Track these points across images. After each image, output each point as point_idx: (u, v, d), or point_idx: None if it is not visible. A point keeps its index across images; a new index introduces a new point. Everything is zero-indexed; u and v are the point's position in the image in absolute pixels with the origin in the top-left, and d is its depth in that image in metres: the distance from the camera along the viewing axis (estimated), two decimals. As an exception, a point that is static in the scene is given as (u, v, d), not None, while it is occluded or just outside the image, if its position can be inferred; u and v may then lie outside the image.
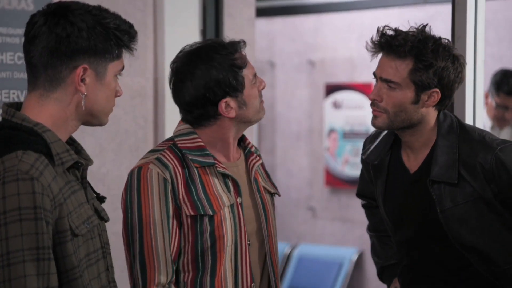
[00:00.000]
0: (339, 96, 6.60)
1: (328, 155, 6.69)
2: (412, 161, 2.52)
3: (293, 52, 6.84)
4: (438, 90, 2.41)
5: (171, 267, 2.29)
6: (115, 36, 1.89)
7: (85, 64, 1.87)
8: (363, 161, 2.66)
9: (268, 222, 2.44)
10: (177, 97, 2.38)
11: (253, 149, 2.50)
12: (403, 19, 7.23)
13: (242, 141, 2.49)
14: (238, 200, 2.37)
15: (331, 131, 6.67)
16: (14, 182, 1.74)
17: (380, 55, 2.48)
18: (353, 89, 6.47)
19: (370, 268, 6.47)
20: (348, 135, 6.55)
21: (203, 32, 4.02)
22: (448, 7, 3.16)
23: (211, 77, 2.31)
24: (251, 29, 4.20)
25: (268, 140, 6.94)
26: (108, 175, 3.63)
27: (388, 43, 2.43)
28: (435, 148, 2.44)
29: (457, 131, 2.45)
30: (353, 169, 6.55)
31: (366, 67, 6.94)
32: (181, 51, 2.39)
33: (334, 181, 6.66)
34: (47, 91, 1.88)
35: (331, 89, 6.65)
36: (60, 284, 1.80)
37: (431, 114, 2.46)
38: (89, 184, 1.98)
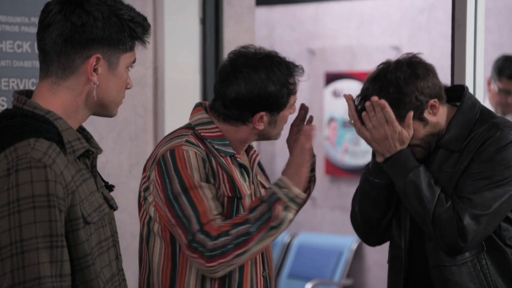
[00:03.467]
0: (339, 84, 6.59)
1: (328, 144, 6.70)
2: None
3: (293, 40, 6.83)
4: (434, 99, 2.46)
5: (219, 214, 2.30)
6: (129, 28, 1.90)
7: (99, 54, 1.88)
8: None
9: None
10: (221, 89, 2.38)
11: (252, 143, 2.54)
12: (403, 7, 7.20)
13: None
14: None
15: (331, 120, 6.67)
16: (27, 169, 1.74)
17: None
18: (353, 78, 6.47)
19: (370, 256, 6.48)
20: (348, 124, 6.55)
21: (203, 20, 4.02)
22: (448, -4, 3.15)
23: (266, 88, 2.34)
24: (250, 18, 4.20)
25: (268, 129, 6.94)
26: (108, 164, 3.64)
27: (364, 109, 2.50)
28: (452, 121, 2.51)
29: (477, 112, 2.51)
30: (353, 158, 6.55)
31: (366, 55, 6.95)
32: (243, 48, 2.40)
33: (334, 170, 6.67)
34: (59, 79, 1.88)
35: (331, 77, 6.65)
36: (72, 272, 1.81)
37: (442, 114, 2.52)
38: (98, 173, 1.99)
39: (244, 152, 2.50)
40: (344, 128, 6.59)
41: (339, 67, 6.62)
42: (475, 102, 2.53)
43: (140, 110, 3.81)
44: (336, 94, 6.63)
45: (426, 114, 2.46)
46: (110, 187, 2.04)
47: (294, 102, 2.44)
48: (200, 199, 2.27)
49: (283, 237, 6.63)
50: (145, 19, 1.95)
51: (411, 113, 2.45)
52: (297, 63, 2.43)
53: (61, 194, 1.77)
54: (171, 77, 3.88)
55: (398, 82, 2.43)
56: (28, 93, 1.92)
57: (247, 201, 2.38)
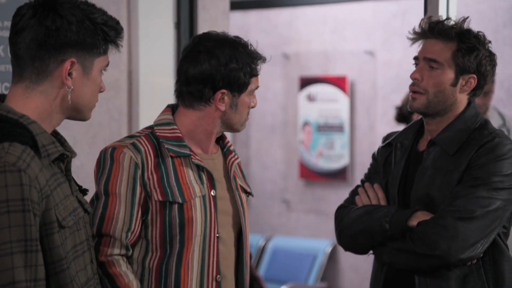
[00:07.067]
0: (313, 89, 6.62)
1: (303, 148, 6.72)
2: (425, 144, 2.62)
3: (268, 45, 6.85)
4: (475, 76, 2.54)
5: (124, 248, 2.33)
6: (102, 31, 1.91)
7: (73, 58, 1.88)
8: (384, 148, 2.71)
9: (246, 220, 2.48)
10: (183, 66, 2.40)
11: (231, 148, 2.54)
12: (376, 12, 7.24)
13: (221, 140, 2.53)
14: (211, 192, 2.40)
15: (306, 124, 6.69)
16: (1, 174, 1.74)
17: (419, 41, 2.62)
18: (327, 82, 6.49)
19: (344, 259, 6.51)
20: (322, 128, 6.58)
21: (177, 25, 4.02)
22: (421, 1, 3.19)
23: (228, 64, 2.36)
24: (225, 22, 4.21)
25: (243, 133, 6.94)
26: (82, 168, 3.63)
27: (435, 28, 2.57)
28: (452, 124, 2.56)
29: (478, 122, 2.56)
30: (327, 162, 6.58)
31: (340, 60, 6.99)
32: (208, 32, 2.45)
33: (309, 173, 6.69)
34: (33, 84, 1.87)
35: (305, 82, 6.67)
36: (47, 276, 1.80)
37: (462, 102, 2.57)
38: (72, 177, 1.99)
39: (222, 156, 2.50)
40: (319, 132, 6.62)
41: (314, 71, 6.65)
42: (478, 113, 2.58)
43: (114, 114, 3.81)
44: (310, 98, 6.65)
45: (461, 79, 2.53)
46: (84, 191, 2.04)
47: (255, 89, 2.45)
48: (113, 208, 2.32)
49: (257, 240, 6.64)
50: (118, 22, 1.95)
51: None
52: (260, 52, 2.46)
53: (35, 198, 1.77)
54: (146, 81, 3.88)
55: (479, 36, 2.57)
56: (1, 97, 1.91)
57: (195, 203, 2.36)
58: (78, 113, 1.94)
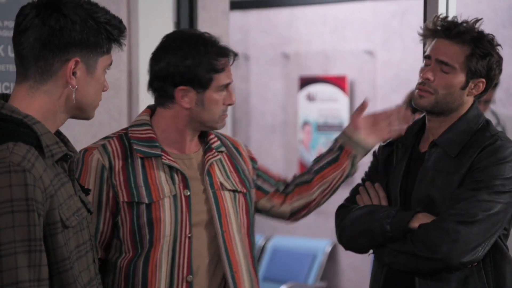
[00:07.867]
0: (313, 89, 6.63)
1: (302, 147, 6.72)
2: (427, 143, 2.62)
3: (267, 45, 6.86)
4: (484, 80, 2.54)
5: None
6: (106, 30, 1.91)
7: (77, 57, 1.88)
8: (385, 147, 2.71)
9: (223, 217, 2.44)
10: (151, 64, 2.46)
11: (214, 145, 2.51)
12: (376, 12, 7.23)
13: (205, 136, 2.53)
14: (184, 192, 2.40)
15: (305, 123, 6.70)
16: (6, 173, 1.74)
17: (430, 40, 2.59)
18: (326, 82, 6.50)
19: (344, 259, 6.52)
20: (322, 128, 6.59)
21: (177, 24, 4.03)
22: (420, 1, 3.19)
23: (183, 61, 2.39)
24: (225, 22, 4.21)
25: (243, 133, 6.96)
26: (82, 168, 3.63)
27: (451, 29, 2.55)
28: (454, 125, 2.55)
29: (480, 123, 2.56)
30: (327, 162, 6.58)
31: (340, 60, 6.99)
32: (180, 30, 2.48)
33: (308, 173, 6.69)
34: (38, 83, 1.88)
35: (305, 82, 6.68)
36: (50, 276, 1.81)
37: (468, 104, 2.58)
38: (75, 177, 2.00)
39: (201, 153, 2.49)
40: (318, 132, 6.62)
41: (313, 71, 6.65)
42: (480, 114, 2.58)
43: (114, 114, 3.81)
44: (310, 98, 6.66)
45: (470, 83, 2.53)
46: (87, 191, 2.05)
47: (226, 86, 2.44)
48: None
49: (257, 240, 6.64)
50: (120, 21, 1.96)
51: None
52: (231, 48, 2.45)
53: (40, 198, 1.78)
54: (146, 81, 3.87)
55: (493, 40, 2.58)
56: (5, 97, 1.92)
57: (164, 203, 2.37)
58: (82, 112, 1.95)
